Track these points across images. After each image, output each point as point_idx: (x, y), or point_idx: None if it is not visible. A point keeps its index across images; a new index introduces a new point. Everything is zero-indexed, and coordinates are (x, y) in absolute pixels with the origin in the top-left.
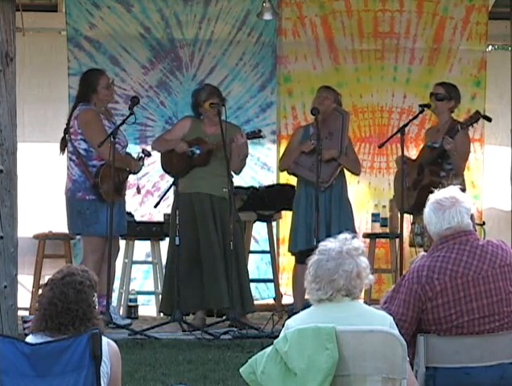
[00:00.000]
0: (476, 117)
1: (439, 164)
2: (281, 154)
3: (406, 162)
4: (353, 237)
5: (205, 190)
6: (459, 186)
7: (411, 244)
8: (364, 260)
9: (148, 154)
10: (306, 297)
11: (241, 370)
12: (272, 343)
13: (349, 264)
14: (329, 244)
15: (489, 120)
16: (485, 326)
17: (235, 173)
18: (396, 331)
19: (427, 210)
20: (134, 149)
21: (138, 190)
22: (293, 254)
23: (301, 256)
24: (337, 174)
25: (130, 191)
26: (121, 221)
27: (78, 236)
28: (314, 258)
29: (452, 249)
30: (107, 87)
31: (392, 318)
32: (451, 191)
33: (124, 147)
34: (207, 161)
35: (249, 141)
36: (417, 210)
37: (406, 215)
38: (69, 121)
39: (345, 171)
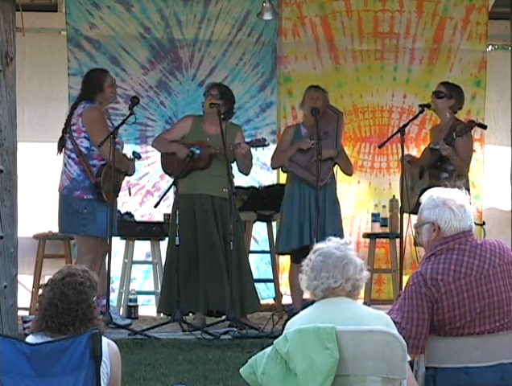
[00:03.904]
0: (471, 125)
1: (439, 167)
2: None
3: (410, 161)
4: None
5: (207, 192)
6: (463, 186)
7: (415, 243)
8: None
9: (138, 157)
10: (304, 296)
11: (241, 370)
12: (272, 343)
13: (354, 256)
14: (326, 244)
15: (484, 127)
16: (486, 327)
17: (245, 174)
18: (396, 331)
19: (443, 207)
20: (135, 149)
21: (130, 193)
22: (285, 254)
23: (296, 255)
24: (331, 173)
25: (121, 193)
26: (113, 223)
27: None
28: (318, 253)
29: (453, 250)
30: (112, 85)
31: (389, 318)
32: (455, 191)
33: (122, 149)
34: (208, 164)
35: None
36: None
37: (406, 215)
38: (70, 118)
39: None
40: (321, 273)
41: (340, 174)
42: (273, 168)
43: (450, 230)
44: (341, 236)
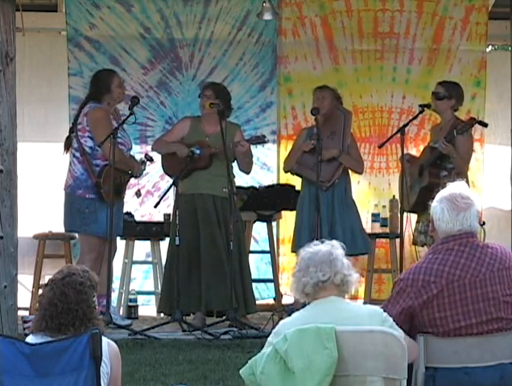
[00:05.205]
0: (471, 122)
1: (439, 165)
2: (281, 154)
3: (409, 161)
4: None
5: (208, 191)
6: None
7: (414, 243)
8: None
9: (150, 159)
10: (301, 300)
11: (241, 371)
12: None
13: (341, 256)
14: (314, 247)
15: (485, 125)
16: (484, 328)
17: (246, 172)
18: (396, 331)
19: (439, 205)
20: (135, 149)
21: (138, 195)
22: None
23: None
24: (339, 173)
25: (131, 191)
26: (118, 223)
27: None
28: (304, 253)
29: (451, 251)
30: (120, 86)
31: (383, 312)
32: (466, 191)
33: (129, 150)
34: (209, 164)
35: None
36: (421, 209)
37: (405, 215)
38: (77, 118)
39: (349, 171)
40: (309, 268)
41: None
42: (285, 171)
43: (438, 229)
44: (353, 235)
